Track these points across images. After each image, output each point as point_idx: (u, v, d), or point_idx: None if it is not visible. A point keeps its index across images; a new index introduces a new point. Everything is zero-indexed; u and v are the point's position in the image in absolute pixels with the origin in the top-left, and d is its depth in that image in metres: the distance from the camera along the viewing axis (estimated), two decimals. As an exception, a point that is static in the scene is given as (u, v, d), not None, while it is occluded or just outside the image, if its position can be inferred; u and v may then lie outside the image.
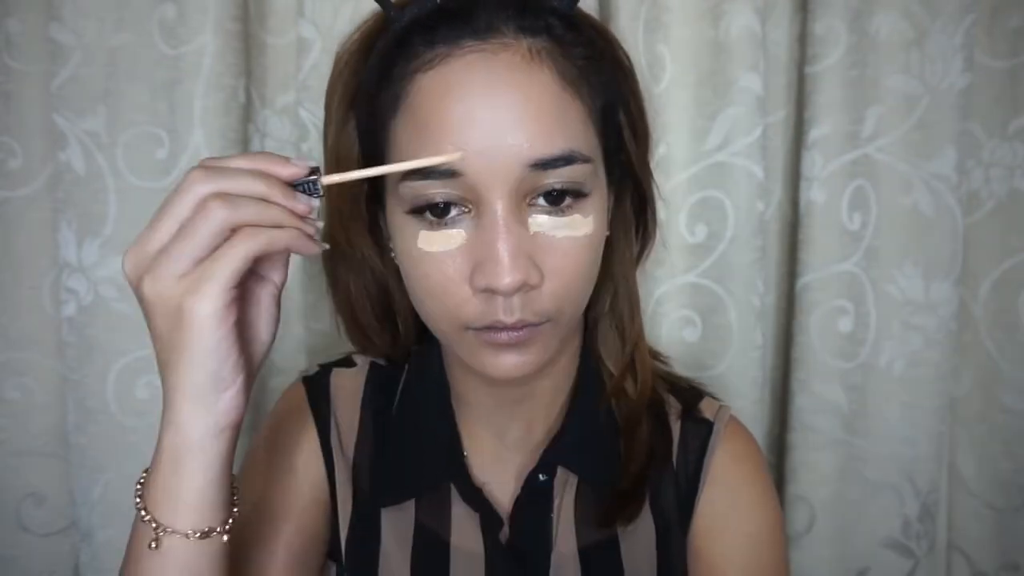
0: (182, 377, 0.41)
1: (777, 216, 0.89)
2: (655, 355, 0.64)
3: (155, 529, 0.42)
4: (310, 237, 0.42)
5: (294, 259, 0.85)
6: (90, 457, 0.81)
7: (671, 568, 0.58)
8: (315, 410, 0.60)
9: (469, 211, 0.46)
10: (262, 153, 0.42)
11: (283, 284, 0.46)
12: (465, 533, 0.57)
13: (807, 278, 0.85)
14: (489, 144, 0.44)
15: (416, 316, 0.61)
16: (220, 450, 0.42)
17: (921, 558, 0.86)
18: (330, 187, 0.55)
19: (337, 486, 0.59)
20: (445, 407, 0.59)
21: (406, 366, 0.62)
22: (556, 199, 0.46)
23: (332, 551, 0.60)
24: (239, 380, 0.42)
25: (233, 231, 0.40)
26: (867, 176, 0.82)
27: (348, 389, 0.62)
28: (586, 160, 0.46)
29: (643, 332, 0.60)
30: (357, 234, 0.56)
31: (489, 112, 0.44)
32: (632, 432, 0.58)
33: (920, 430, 0.84)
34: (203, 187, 0.39)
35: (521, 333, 0.47)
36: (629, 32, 0.82)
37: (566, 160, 0.45)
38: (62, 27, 0.76)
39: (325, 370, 0.63)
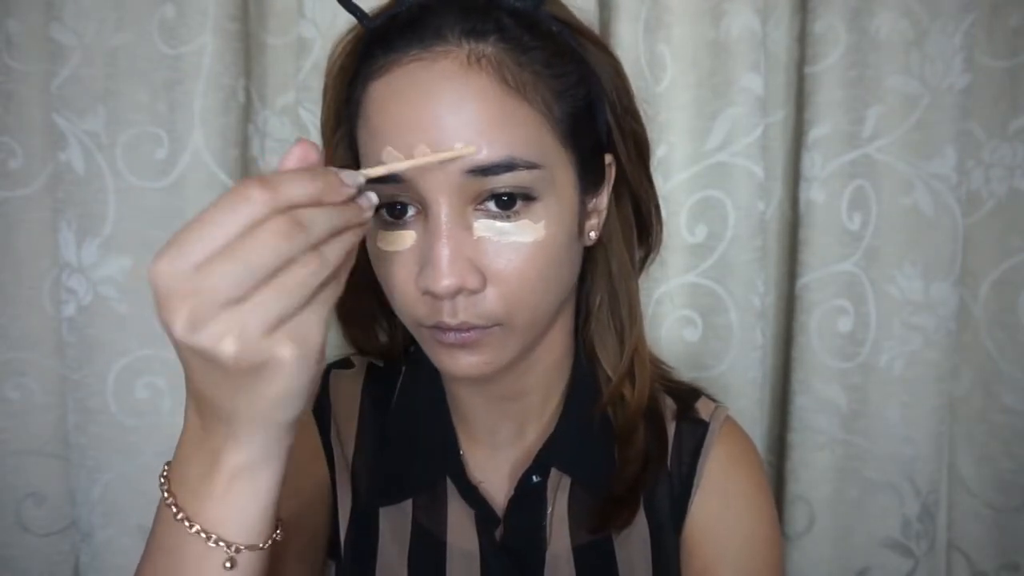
0: (264, 415, 0.36)
1: (777, 216, 0.89)
2: (656, 362, 0.64)
3: (229, 549, 0.38)
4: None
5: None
6: (90, 457, 0.81)
7: (666, 568, 0.58)
8: (315, 411, 0.61)
9: (421, 212, 0.47)
10: (322, 175, 0.36)
11: None
12: (461, 532, 0.57)
13: (807, 278, 0.85)
14: (426, 152, 0.44)
15: None
16: (286, 456, 0.39)
17: (921, 558, 0.86)
18: None
19: (337, 486, 0.59)
20: (441, 406, 0.59)
21: (403, 367, 0.62)
22: (505, 203, 0.46)
23: (331, 550, 0.60)
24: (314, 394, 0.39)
25: None
26: (867, 176, 0.82)
27: (346, 390, 0.62)
28: (531, 166, 0.46)
29: (643, 337, 0.59)
30: None
31: (425, 119, 0.44)
32: (628, 439, 0.58)
33: (920, 430, 0.84)
34: (293, 243, 0.33)
35: (467, 335, 0.47)
36: (629, 32, 0.81)
37: (506, 167, 0.45)
38: (62, 27, 0.76)
39: (324, 371, 0.63)
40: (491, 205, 0.46)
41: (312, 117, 0.80)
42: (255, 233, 0.32)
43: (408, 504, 0.58)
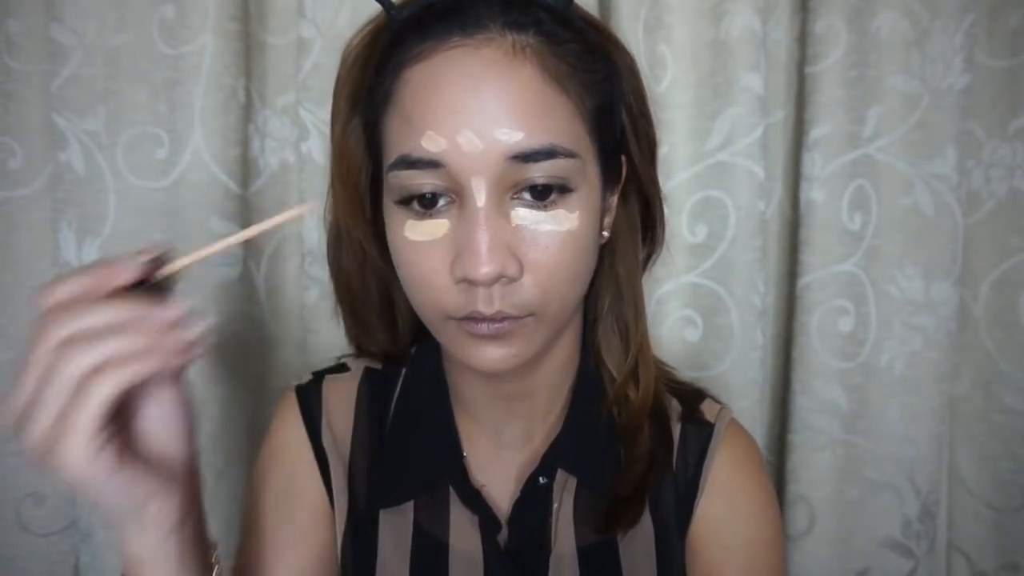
0: (100, 509, 0.40)
1: (777, 216, 0.89)
2: (659, 363, 0.63)
3: None
4: (188, 348, 0.38)
5: (294, 256, 0.86)
6: (90, 457, 0.80)
7: (670, 569, 0.57)
8: (307, 421, 0.60)
9: (454, 202, 0.47)
10: (97, 266, 0.38)
11: (185, 367, 0.41)
12: (464, 535, 0.57)
13: (807, 278, 0.85)
14: (470, 137, 0.44)
15: (415, 316, 0.61)
16: (175, 550, 0.41)
17: (921, 558, 0.86)
18: (334, 179, 0.55)
19: (334, 493, 0.59)
20: (444, 407, 0.59)
21: (403, 370, 0.62)
22: (541, 194, 0.46)
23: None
24: (160, 491, 0.40)
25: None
26: (867, 176, 0.82)
27: (341, 395, 0.61)
28: (570, 155, 0.46)
29: (647, 337, 0.59)
30: (357, 227, 0.55)
31: (470, 106, 0.44)
32: (633, 438, 0.57)
33: (920, 430, 0.84)
34: (55, 333, 0.37)
35: (501, 325, 0.47)
36: (629, 32, 0.82)
37: (547, 154, 0.45)
38: (62, 27, 0.76)
39: (318, 377, 0.63)
40: (527, 195, 0.46)
41: (312, 117, 0.80)
42: (36, 335, 0.37)
43: (409, 507, 0.58)
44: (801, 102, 0.85)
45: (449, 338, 0.50)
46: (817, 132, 0.82)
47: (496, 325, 0.47)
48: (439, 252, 0.47)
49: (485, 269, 0.44)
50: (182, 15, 0.77)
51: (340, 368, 0.63)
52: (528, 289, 0.47)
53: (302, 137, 0.81)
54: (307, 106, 0.80)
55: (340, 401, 0.61)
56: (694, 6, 0.81)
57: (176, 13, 0.77)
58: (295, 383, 0.63)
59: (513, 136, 0.44)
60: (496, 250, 0.45)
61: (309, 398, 0.61)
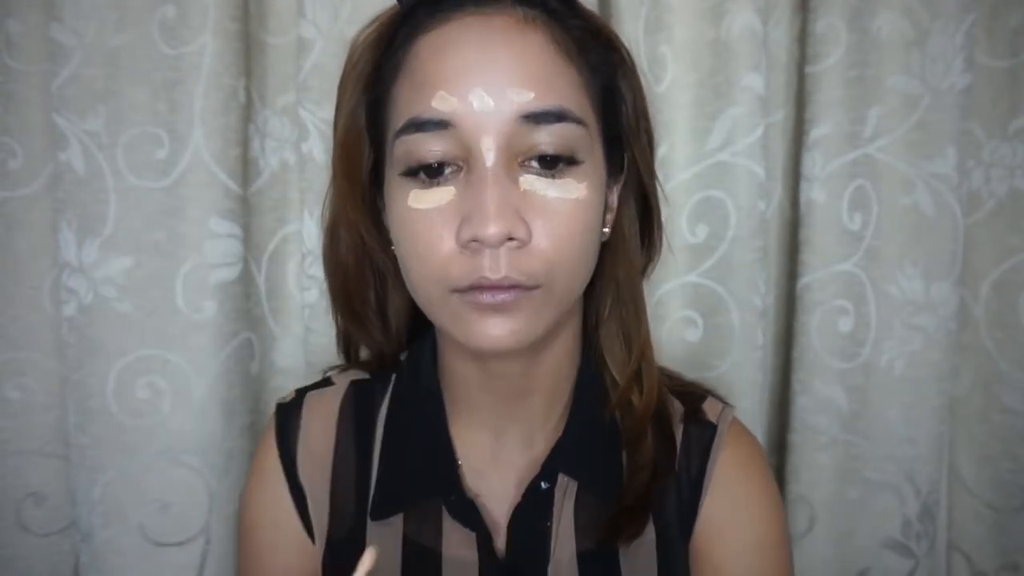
0: None
1: (777, 216, 0.89)
2: (664, 371, 0.62)
3: None
4: None
5: (294, 255, 0.86)
6: (90, 457, 0.80)
7: (672, 575, 0.57)
8: (283, 450, 0.59)
9: (461, 168, 0.47)
10: None
11: None
12: (458, 543, 0.55)
13: (808, 278, 0.85)
14: (481, 96, 0.45)
15: (409, 315, 0.60)
16: None
17: (921, 558, 0.86)
18: (336, 170, 0.54)
19: (313, 524, 0.58)
20: (437, 413, 0.57)
21: (393, 377, 0.61)
22: (549, 163, 0.46)
23: None
24: None
25: None
26: (868, 176, 0.82)
27: (323, 411, 0.60)
28: (579, 121, 0.47)
29: (650, 342, 0.58)
30: (358, 218, 0.55)
31: (482, 67, 0.45)
32: (637, 446, 0.56)
33: (920, 430, 0.84)
34: None
35: (507, 294, 0.46)
36: (630, 32, 0.82)
37: (557, 116, 0.46)
38: (62, 27, 0.76)
39: (300, 394, 0.61)
40: (535, 163, 0.46)
41: (312, 117, 0.80)
42: None
43: (397, 518, 0.56)
44: (801, 102, 0.85)
45: (451, 315, 0.48)
46: (817, 132, 0.82)
47: (502, 295, 0.46)
48: (445, 219, 0.46)
49: (493, 228, 0.44)
50: (182, 15, 0.76)
51: (324, 384, 0.62)
52: (536, 256, 0.46)
53: (302, 137, 0.81)
54: (307, 106, 0.80)
55: (321, 417, 0.60)
56: (694, 6, 0.81)
57: (176, 13, 0.77)
58: (279, 401, 0.62)
59: (524, 96, 0.45)
60: (504, 210, 0.44)
61: (288, 420, 0.60)
